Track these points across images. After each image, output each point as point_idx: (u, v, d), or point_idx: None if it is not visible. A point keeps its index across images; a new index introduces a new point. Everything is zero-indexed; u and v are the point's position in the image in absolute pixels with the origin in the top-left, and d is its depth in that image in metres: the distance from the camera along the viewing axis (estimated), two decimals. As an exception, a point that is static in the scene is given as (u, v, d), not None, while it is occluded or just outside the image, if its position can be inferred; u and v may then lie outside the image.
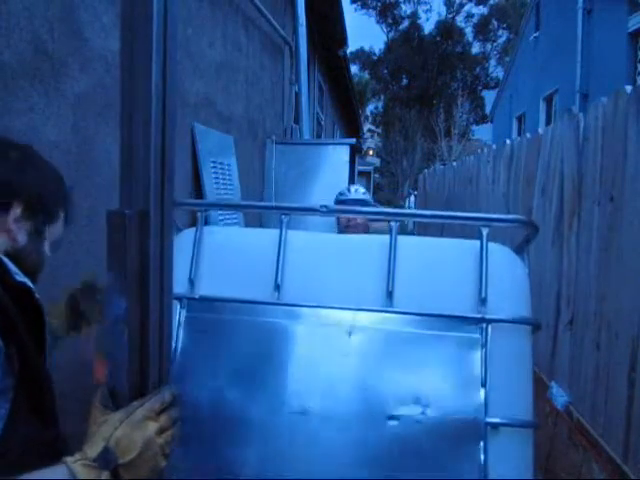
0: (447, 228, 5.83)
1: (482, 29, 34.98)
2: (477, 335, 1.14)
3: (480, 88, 34.18)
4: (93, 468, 0.58)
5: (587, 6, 9.70)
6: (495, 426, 1.07)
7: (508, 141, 3.68)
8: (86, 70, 1.91)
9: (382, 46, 37.00)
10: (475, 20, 35.15)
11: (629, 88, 1.95)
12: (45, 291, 1.69)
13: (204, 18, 3.16)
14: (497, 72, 33.95)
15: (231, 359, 1.20)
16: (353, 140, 4.85)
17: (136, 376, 0.62)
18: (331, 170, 4.54)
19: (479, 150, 4.85)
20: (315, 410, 1.12)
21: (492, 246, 1.21)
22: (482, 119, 29.66)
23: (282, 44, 5.18)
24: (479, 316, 1.14)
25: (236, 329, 1.22)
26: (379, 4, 35.27)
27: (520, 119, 14.79)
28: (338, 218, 2.67)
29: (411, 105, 32.10)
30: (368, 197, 2.75)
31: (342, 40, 7.37)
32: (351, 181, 5.01)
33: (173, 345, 1.17)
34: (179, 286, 1.21)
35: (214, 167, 3.28)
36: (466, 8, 35.32)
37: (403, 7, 35.61)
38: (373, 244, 1.28)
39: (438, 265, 1.23)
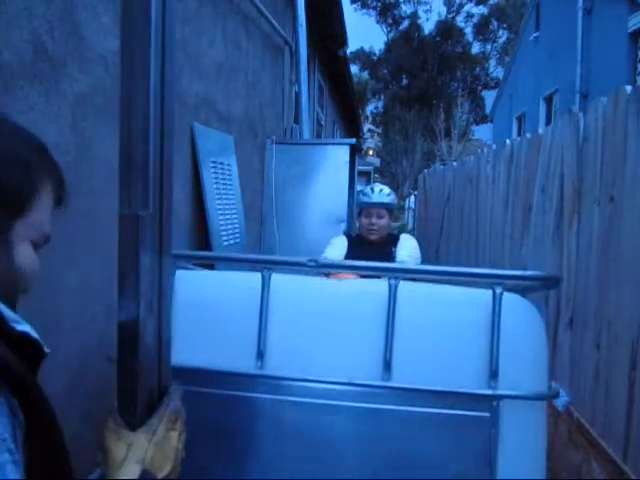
0: (446, 226, 5.83)
1: (482, 29, 34.97)
2: (487, 414, 0.99)
3: (480, 88, 34.20)
4: None
5: (587, 6, 9.70)
6: None
7: (508, 141, 3.68)
8: (85, 70, 1.90)
9: (382, 46, 37.04)
10: (475, 20, 35.18)
11: (629, 88, 1.95)
12: (44, 293, 1.69)
13: (204, 18, 3.16)
14: (497, 72, 33.96)
15: (210, 440, 1.04)
16: (353, 140, 4.84)
17: (147, 382, 0.62)
18: (331, 170, 4.54)
19: (479, 150, 4.84)
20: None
21: (508, 299, 1.04)
22: (482, 119, 29.66)
23: (282, 44, 5.18)
24: (490, 392, 0.99)
25: (212, 404, 1.06)
26: (379, 4, 35.26)
27: (520, 119, 14.79)
28: (360, 221, 2.63)
29: (411, 105, 32.08)
30: (393, 198, 2.67)
31: (342, 40, 7.37)
32: (351, 181, 5.01)
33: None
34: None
35: (214, 167, 3.28)
36: (466, 8, 35.34)
37: (403, 7, 35.64)
38: (370, 300, 1.10)
39: (444, 326, 1.06)
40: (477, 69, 35.74)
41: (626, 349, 1.86)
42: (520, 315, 1.07)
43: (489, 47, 35.89)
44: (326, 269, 1.18)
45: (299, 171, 4.57)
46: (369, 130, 35.56)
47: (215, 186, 3.27)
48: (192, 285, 1.19)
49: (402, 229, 14.49)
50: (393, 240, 2.61)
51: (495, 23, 34.85)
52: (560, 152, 2.60)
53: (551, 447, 2.42)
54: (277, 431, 1.06)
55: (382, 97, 37.44)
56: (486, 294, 1.04)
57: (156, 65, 0.56)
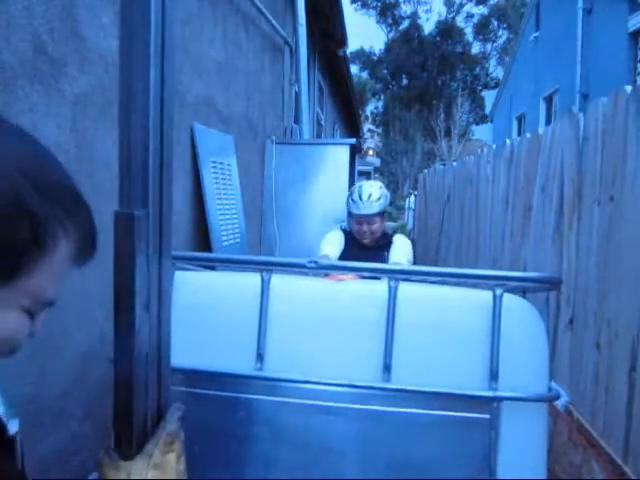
0: (446, 226, 5.83)
1: (482, 29, 34.96)
2: (487, 415, 0.98)
3: (480, 88, 34.19)
4: None
5: (587, 6, 9.70)
6: None
7: (508, 141, 3.68)
8: (85, 70, 1.90)
9: (382, 46, 37.01)
10: (475, 20, 35.16)
11: (629, 88, 1.95)
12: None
13: (204, 18, 3.16)
14: (497, 72, 33.96)
15: (209, 442, 1.03)
16: (353, 140, 4.84)
17: (143, 404, 0.61)
18: (331, 170, 4.54)
19: (479, 150, 4.84)
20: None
21: (508, 301, 1.03)
22: (482, 119, 29.66)
23: (282, 44, 5.18)
24: (490, 394, 0.98)
25: (212, 405, 1.04)
26: (379, 4, 35.25)
27: (520, 119, 14.79)
28: (352, 228, 2.52)
29: (411, 105, 32.09)
30: (383, 203, 2.48)
31: (342, 40, 7.37)
32: (351, 181, 5.01)
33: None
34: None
35: (214, 167, 3.28)
36: (466, 8, 35.34)
37: (403, 7, 35.63)
38: (369, 302, 1.09)
39: (444, 328, 1.05)
40: (477, 69, 35.73)
41: (626, 349, 1.86)
42: (520, 317, 1.06)
43: (489, 47, 35.92)
44: (326, 271, 1.16)
45: (299, 171, 4.57)
46: (369, 130, 35.55)
47: (215, 186, 3.27)
48: (191, 286, 1.18)
49: (402, 229, 14.48)
50: (387, 241, 2.55)
51: (495, 23, 34.86)
52: (560, 152, 2.60)
53: (551, 447, 2.42)
54: (276, 433, 1.05)
55: (382, 97, 37.44)
56: (486, 295, 1.03)
57: (156, 65, 0.55)
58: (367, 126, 34.01)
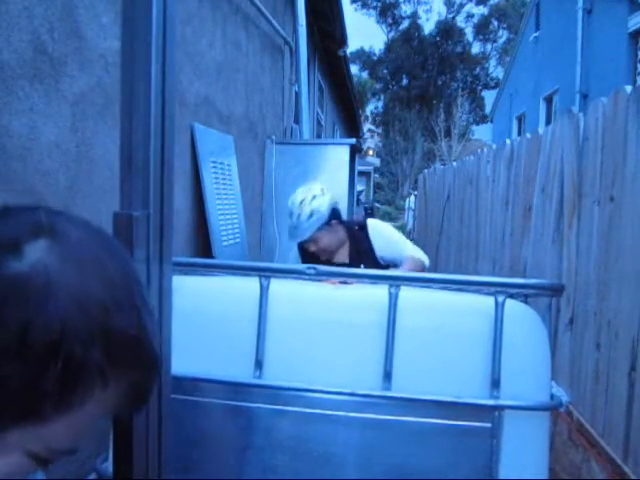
0: (446, 226, 5.83)
1: (482, 29, 34.97)
2: (488, 424, 0.96)
3: (480, 88, 34.20)
4: None
5: (587, 6, 9.69)
6: None
7: (508, 141, 3.68)
8: (86, 70, 1.90)
9: (382, 46, 37.02)
10: (475, 20, 35.17)
11: (629, 88, 1.95)
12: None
13: (204, 18, 3.16)
14: (497, 72, 33.95)
15: (207, 450, 1.01)
16: (353, 140, 4.84)
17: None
18: (331, 170, 4.54)
19: (479, 150, 4.84)
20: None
21: (510, 307, 1.02)
22: (482, 119, 29.66)
23: (282, 44, 5.18)
24: (492, 403, 0.96)
25: (210, 413, 1.02)
26: (379, 4, 35.25)
27: (520, 119, 14.78)
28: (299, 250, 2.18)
29: (411, 105, 32.09)
30: (317, 221, 2.01)
31: (342, 40, 7.36)
32: (351, 181, 5.00)
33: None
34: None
35: (214, 167, 3.28)
36: (466, 8, 35.35)
37: (403, 7, 35.65)
38: (370, 308, 1.07)
39: (445, 335, 1.03)
40: (477, 69, 35.73)
41: (626, 348, 1.86)
42: (522, 323, 1.05)
43: (489, 47, 35.92)
44: (325, 276, 1.13)
45: (299, 171, 4.57)
46: (369, 130, 35.55)
47: (215, 186, 3.27)
48: (189, 291, 1.15)
49: (402, 229, 14.48)
50: (363, 244, 2.12)
51: (495, 23, 34.86)
52: (560, 152, 2.60)
53: (551, 447, 2.42)
54: (275, 441, 1.04)
55: (382, 97, 37.44)
56: (488, 301, 1.02)
57: (157, 65, 0.55)
58: (367, 126, 33.99)
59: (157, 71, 0.55)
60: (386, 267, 2.06)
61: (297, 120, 5.67)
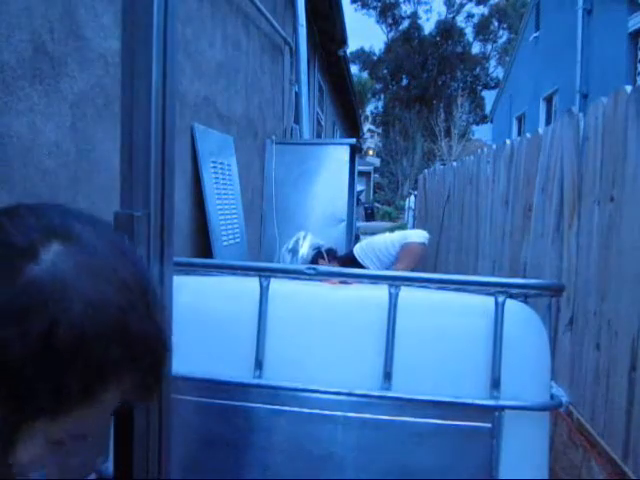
0: (446, 226, 5.83)
1: (482, 29, 34.96)
2: (488, 425, 0.96)
3: (480, 88, 34.20)
4: None
5: (587, 6, 9.70)
6: None
7: (508, 141, 3.68)
8: (86, 70, 1.90)
9: (382, 46, 37.02)
10: (475, 20, 35.17)
11: (629, 88, 1.95)
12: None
13: (204, 18, 3.16)
14: (497, 72, 33.96)
15: (207, 450, 1.01)
16: (353, 140, 4.84)
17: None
18: (331, 170, 4.54)
19: (479, 150, 4.84)
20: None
21: (510, 307, 1.01)
22: (482, 119, 29.67)
23: (282, 44, 5.18)
24: (492, 403, 0.96)
25: (210, 413, 1.02)
26: (379, 4, 35.25)
27: (520, 119, 14.78)
28: None
29: (411, 105, 32.09)
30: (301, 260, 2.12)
31: (342, 40, 7.37)
32: (351, 181, 5.00)
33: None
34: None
35: (214, 167, 3.28)
36: (466, 8, 35.34)
37: (403, 7, 35.64)
38: (370, 308, 1.07)
39: (445, 335, 1.03)
40: (477, 69, 35.73)
41: (626, 348, 1.86)
42: (522, 324, 1.05)
43: (489, 47, 35.92)
44: (323, 276, 1.13)
45: (299, 171, 4.57)
46: (369, 130, 35.56)
47: (215, 186, 3.27)
48: (189, 291, 1.15)
49: (402, 229, 14.44)
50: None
51: (495, 23, 34.85)
52: (560, 152, 2.60)
53: (551, 447, 2.42)
54: (275, 441, 1.03)
55: (382, 97, 37.44)
56: (488, 301, 1.02)
57: (158, 66, 0.55)
58: (367, 126, 34.00)
59: (158, 71, 0.55)
60: None
61: (297, 120, 5.67)
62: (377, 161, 30.31)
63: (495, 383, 0.97)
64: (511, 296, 1.04)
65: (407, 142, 26.86)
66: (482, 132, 24.64)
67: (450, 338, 1.04)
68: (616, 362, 1.94)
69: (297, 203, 4.56)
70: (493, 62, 35.69)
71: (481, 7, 35.01)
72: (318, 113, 8.31)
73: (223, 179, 3.44)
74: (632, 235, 1.86)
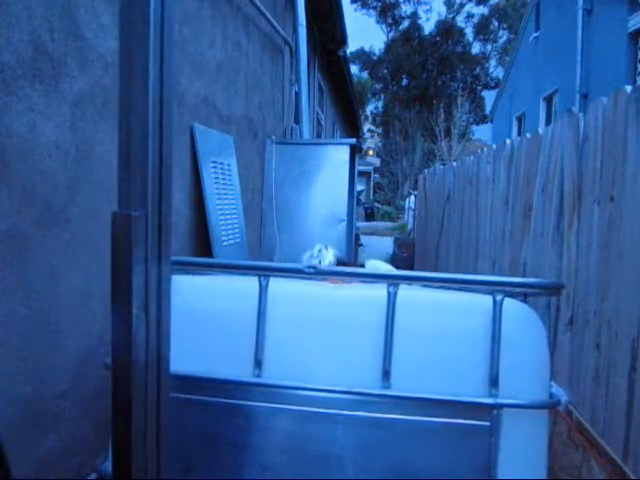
0: (446, 226, 5.83)
1: (482, 29, 34.97)
2: (487, 423, 0.96)
3: (480, 88, 34.21)
4: None
5: (587, 6, 9.70)
6: None
7: (508, 141, 3.68)
8: (85, 70, 1.91)
9: (382, 46, 37.03)
10: (475, 20, 35.17)
11: (629, 88, 1.95)
12: (45, 292, 1.69)
13: (204, 18, 3.16)
14: (497, 72, 33.96)
15: (206, 449, 1.01)
16: (353, 140, 4.84)
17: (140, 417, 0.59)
18: (331, 170, 4.54)
19: (479, 150, 4.84)
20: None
21: (509, 306, 1.02)
22: (482, 119, 29.68)
23: (282, 44, 5.18)
24: (490, 401, 0.96)
25: (209, 412, 1.02)
26: (379, 4, 35.25)
27: (520, 119, 14.78)
28: None
29: (411, 105, 32.09)
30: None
31: (342, 40, 7.37)
32: (351, 181, 5.00)
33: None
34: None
35: (214, 167, 3.28)
36: (466, 8, 35.37)
37: (403, 7, 35.66)
38: (369, 307, 1.08)
39: (443, 334, 1.04)
40: (477, 69, 35.73)
41: (626, 348, 1.86)
42: (521, 322, 1.05)
43: (489, 47, 35.91)
44: (324, 275, 1.13)
45: (299, 171, 4.57)
46: (369, 130, 35.55)
47: (215, 186, 3.27)
48: (188, 290, 1.15)
49: (402, 229, 14.48)
50: None
51: (495, 23, 34.85)
52: (560, 152, 2.60)
53: (551, 447, 2.42)
54: (274, 440, 1.04)
55: (382, 97, 37.44)
56: (486, 300, 1.02)
57: (155, 65, 0.55)
58: (367, 126, 34.00)
59: (155, 71, 0.55)
60: None
61: (297, 120, 5.67)
62: (377, 161, 30.31)
63: (494, 381, 0.98)
64: (510, 295, 1.05)
65: (407, 142, 26.86)
66: (482, 132, 24.64)
67: (449, 337, 1.05)
68: (616, 362, 1.94)
69: (297, 203, 4.56)
70: (493, 62, 35.72)
71: (481, 7, 35.06)
72: (318, 113, 8.31)
73: (223, 179, 3.44)
74: (632, 235, 1.86)
